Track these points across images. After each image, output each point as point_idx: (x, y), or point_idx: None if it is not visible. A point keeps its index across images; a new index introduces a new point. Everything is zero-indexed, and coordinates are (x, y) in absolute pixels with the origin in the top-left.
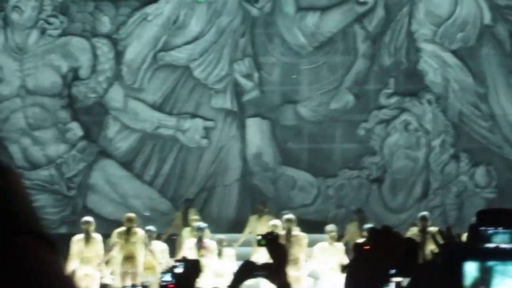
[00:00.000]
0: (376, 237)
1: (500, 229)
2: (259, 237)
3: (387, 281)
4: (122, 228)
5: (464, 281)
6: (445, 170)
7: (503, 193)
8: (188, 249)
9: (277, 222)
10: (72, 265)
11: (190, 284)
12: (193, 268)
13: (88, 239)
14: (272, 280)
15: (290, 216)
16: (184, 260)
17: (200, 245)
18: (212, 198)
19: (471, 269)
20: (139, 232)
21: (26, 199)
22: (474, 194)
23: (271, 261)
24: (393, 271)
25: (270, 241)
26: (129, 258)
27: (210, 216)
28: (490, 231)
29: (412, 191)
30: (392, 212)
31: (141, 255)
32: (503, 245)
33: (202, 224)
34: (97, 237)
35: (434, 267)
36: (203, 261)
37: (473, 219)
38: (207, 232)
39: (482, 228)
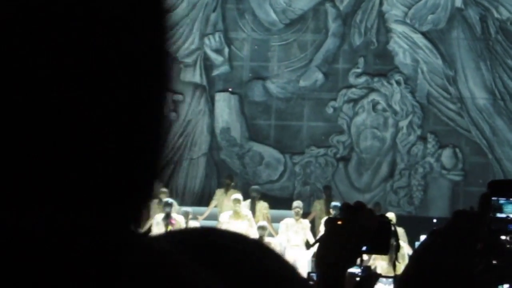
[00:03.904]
0: (349, 213)
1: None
2: None
3: (358, 257)
4: None
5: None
6: (412, 151)
7: (469, 176)
8: (155, 225)
9: (239, 196)
10: None
11: None
12: None
13: None
14: None
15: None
16: None
17: (168, 221)
18: (179, 171)
19: None
20: None
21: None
22: (440, 176)
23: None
24: (364, 248)
25: None
26: None
27: (177, 189)
28: (501, 201)
29: (378, 171)
30: (358, 191)
31: None
32: None
33: (170, 200)
34: None
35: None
36: None
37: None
38: (175, 206)
39: (494, 198)
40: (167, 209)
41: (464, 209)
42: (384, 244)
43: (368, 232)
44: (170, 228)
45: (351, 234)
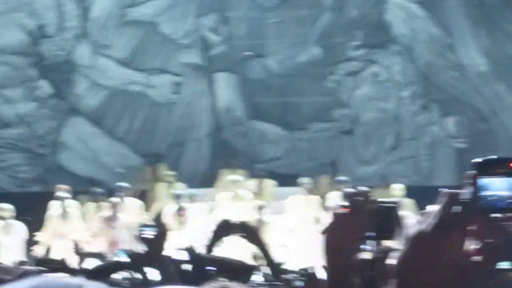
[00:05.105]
0: (352, 201)
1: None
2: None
3: (363, 244)
4: (107, 213)
5: None
6: (416, 120)
7: (474, 142)
8: (166, 217)
9: (237, 177)
10: None
11: (160, 248)
12: (161, 232)
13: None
14: (250, 240)
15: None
16: (152, 225)
17: (179, 212)
18: (184, 153)
19: None
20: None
21: None
22: (446, 144)
23: (247, 219)
24: (371, 234)
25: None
26: (113, 243)
27: (182, 171)
28: (487, 179)
29: (383, 142)
30: (364, 163)
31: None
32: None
33: (179, 192)
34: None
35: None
36: (181, 229)
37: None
38: (184, 196)
39: (479, 177)
40: (178, 201)
41: (452, 191)
42: (389, 229)
43: (372, 218)
44: (180, 219)
45: (355, 221)
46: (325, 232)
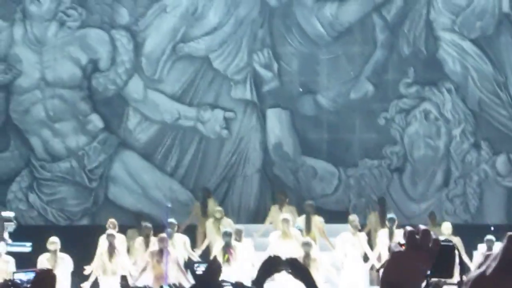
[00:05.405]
0: (413, 239)
1: None
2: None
3: (424, 281)
4: (155, 248)
5: None
6: (466, 158)
7: None
8: (214, 252)
9: (287, 216)
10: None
11: (211, 283)
12: (214, 268)
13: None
14: (297, 276)
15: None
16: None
17: (226, 250)
18: (233, 188)
19: None
20: (172, 254)
21: None
22: (496, 183)
23: (294, 255)
24: (428, 272)
25: (293, 267)
26: (160, 278)
27: (231, 207)
28: None
29: (432, 180)
30: (413, 201)
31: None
32: None
33: (229, 230)
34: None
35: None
36: (228, 266)
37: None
38: (233, 236)
39: None
40: (226, 239)
41: None
42: (449, 268)
43: (432, 257)
44: (228, 257)
45: (415, 259)
46: (382, 268)
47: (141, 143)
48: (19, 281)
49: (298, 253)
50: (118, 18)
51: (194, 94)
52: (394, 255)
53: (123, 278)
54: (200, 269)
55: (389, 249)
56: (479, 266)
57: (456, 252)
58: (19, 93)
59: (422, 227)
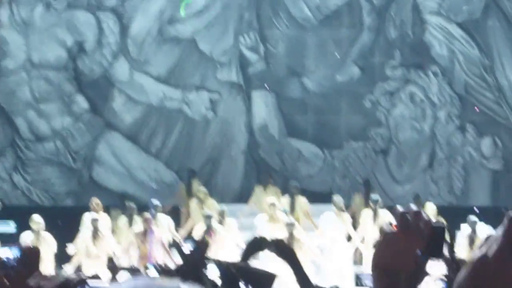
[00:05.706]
0: (404, 220)
1: None
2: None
3: (413, 262)
4: (140, 229)
5: None
6: (451, 141)
7: (509, 164)
8: (196, 232)
9: (274, 199)
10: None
11: (200, 264)
12: (202, 247)
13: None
14: (282, 257)
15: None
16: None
17: (208, 232)
18: (218, 169)
19: None
20: (157, 233)
21: None
22: (480, 165)
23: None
24: (419, 253)
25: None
26: (144, 258)
27: (216, 187)
28: None
29: (417, 162)
30: (398, 182)
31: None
32: None
33: (209, 212)
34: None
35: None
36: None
37: None
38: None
39: None
40: (207, 222)
41: None
42: (439, 249)
43: (422, 238)
44: (209, 240)
45: (406, 241)
46: (375, 247)
47: (126, 125)
48: (5, 260)
49: (281, 232)
50: (104, 0)
51: (180, 76)
52: (386, 237)
53: (110, 260)
54: (188, 248)
55: (381, 229)
56: (480, 247)
57: (447, 232)
58: (5, 74)
59: (413, 208)
